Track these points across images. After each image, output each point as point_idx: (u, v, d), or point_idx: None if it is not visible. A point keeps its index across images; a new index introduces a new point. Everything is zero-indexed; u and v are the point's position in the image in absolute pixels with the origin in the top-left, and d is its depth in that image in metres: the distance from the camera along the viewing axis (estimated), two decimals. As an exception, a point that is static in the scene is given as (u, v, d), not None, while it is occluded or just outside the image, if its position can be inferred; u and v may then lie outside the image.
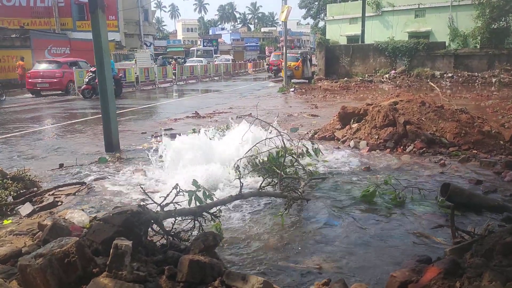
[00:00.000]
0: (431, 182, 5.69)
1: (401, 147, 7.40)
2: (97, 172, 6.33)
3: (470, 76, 23.06)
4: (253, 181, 5.57)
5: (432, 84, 16.22)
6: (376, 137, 7.75)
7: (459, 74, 23.44)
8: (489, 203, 4.66)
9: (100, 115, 8.19)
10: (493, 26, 23.94)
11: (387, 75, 25.08)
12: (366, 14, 30.40)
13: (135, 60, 28.12)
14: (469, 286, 2.30)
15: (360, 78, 25.36)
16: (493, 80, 21.86)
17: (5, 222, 4.37)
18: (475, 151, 7.04)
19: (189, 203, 3.76)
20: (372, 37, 29.29)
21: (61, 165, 6.72)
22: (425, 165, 6.56)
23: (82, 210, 4.20)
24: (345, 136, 8.25)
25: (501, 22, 23.83)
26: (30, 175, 5.57)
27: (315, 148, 6.61)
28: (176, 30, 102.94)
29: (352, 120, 8.59)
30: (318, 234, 4.07)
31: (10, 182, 5.17)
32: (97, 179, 5.91)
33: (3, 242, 3.66)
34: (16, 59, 23.46)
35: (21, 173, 5.43)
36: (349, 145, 7.85)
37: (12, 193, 5.01)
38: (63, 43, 30.02)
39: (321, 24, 55.09)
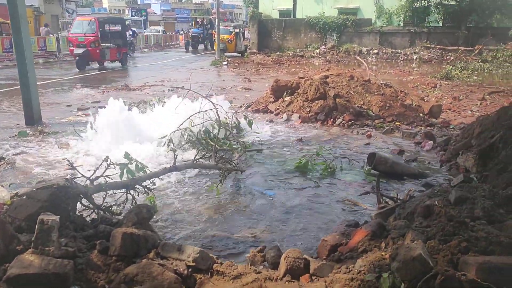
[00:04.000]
0: (359, 152, 5.97)
1: (332, 120, 7.66)
2: (17, 147, 5.89)
3: (393, 52, 24.22)
4: (187, 154, 5.50)
5: (359, 59, 16.86)
6: (308, 110, 7.94)
7: (384, 51, 24.53)
8: (410, 171, 5.00)
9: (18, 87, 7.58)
10: (415, 4, 25.18)
11: (317, 50, 25.62)
12: (298, -11, 30.60)
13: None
14: (393, 245, 2.46)
15: (292, 52, 25.70)
16: (414, 57, 23.18)
17: None
18: (398, 123, 7.47)
19: (121, 176, 3.62)
20: (304, 12, 29.58)
21: (-25, 140, 6.17)
22: (353, 136, 6.86)
23: (2, 186, 3.91)
24: (278, 109, 8.37)
25: (422, 1, 25.12)
26: None
27: (248, 120, 6.64)
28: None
29: (285, 94, 8.72)
30: (252, 204, 4.14)
31: None
32: (17, 154, 5.51)
33: None
34: None
35: None
36: (282, 118, 7.99)
37: None
38: (-28, 7, 27.10)
39: (253, -3, 54.52)
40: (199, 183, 4.66)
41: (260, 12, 30.50)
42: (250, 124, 6.60)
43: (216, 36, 23.30)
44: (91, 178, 3.26)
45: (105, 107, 6.00)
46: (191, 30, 35.57)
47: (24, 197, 2.81)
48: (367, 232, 2.77)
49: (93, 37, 16.68)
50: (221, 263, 2.64)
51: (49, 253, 2.25)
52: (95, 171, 3.29)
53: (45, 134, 6.60)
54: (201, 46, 32.26)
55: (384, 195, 4.00)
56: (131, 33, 23.73)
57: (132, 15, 53.50)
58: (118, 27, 20.25)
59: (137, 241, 2.54)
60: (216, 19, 23.09)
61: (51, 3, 36.25)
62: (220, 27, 23.07)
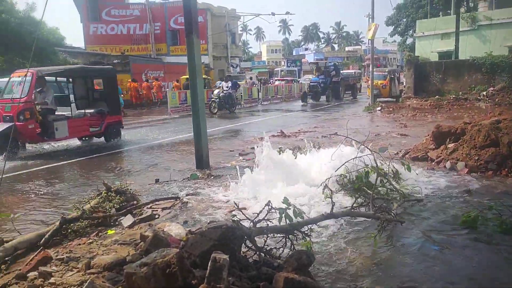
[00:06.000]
0: (544, 208, 5.11)
1: (506, 170, 6.77)
2: (189, 188, 6.62)
3: None
4: (342, 201, 5.44)
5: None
6: (476, 158, 7.19)
7: None
8: None
9: (190, 134, 8.60)
10: None
11: (484, 93, 23.31)
12: (460, 29, 28.74)
13: (246, 81, 33.04)
14: None
15: (454, 96, 23.83)
16: None
17: (109, 232, 4.72)
18: None
19: (280, 220, 3.75)
20: (468, 53, 27.50)
21: (157, 180, 7.14)
22: (535, 189, 5.95)
23: (178, 223, 4.40)
24: (440, 156, 7.77)
25: None
26: (130, 189, 5.97)
27: (406, 165, 6.30)
28: (260, 52, 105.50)
29: (448, 140, 8.08)
30: (414, 259, 3.84)
31: (114, 195, 5.59)
32: (189, 194, 6.18)
33: (109, 251, 3.94)
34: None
35: (123, 187, 5.85)
36: (444, 166, 7.37)
37: (115, 205, 5.40)
38: (158, 67, 32.26)
39: (409, 41, 52.94)
40: (356, 232, 4.53)
41: (417, 56, 29.36)
42: (409, 168, 6.24)
43: (370, 82, 23.16)
44: (254, 221, 3.45)
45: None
46: (310, 78, 30.06)
47: (198, 235, 3.10)
48: None
49: (22, 104, 9.62)
50: (384, 321, 2.48)
51: (219, 290, 2.42)
52: (258, 214, 3.49)
53: (212, 177, 7.29)
54: (323, 98, 26.72)
55: None
56: (229, 85, 20.34)
57: (287, 66, 56.84)
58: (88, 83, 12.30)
59: (298, 287, 2.57)
60: (371, 65, 23.01)
61: (218, 60, 40.97)
62: (374, 72, 22.92)
